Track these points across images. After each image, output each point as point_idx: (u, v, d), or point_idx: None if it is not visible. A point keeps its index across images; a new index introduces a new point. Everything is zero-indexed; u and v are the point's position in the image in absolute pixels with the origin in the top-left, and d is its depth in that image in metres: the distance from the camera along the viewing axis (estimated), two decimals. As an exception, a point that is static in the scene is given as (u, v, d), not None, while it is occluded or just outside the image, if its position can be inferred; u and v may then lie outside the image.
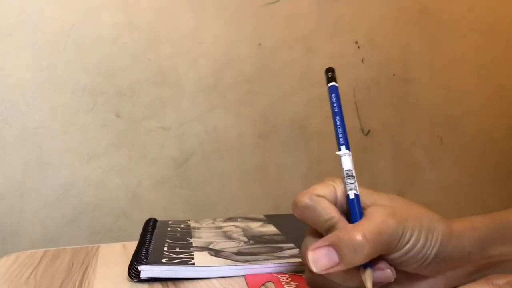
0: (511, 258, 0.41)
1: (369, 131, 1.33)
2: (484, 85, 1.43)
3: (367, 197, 0.38)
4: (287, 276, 0.48)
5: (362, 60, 1.31)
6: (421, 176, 1.39)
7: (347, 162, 0.39)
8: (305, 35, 1.26)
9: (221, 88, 1.20)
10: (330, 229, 0.36)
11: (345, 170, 0.38)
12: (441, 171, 1.41)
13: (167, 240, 0.59)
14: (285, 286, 0.46)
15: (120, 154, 1.14)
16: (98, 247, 0.62)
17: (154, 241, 0.59)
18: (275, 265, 0.50)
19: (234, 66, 1.21)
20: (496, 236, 0.40)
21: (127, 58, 1.14)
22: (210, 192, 1.21)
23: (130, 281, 0.49)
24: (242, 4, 1.20)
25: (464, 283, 0.34)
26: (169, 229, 0.65)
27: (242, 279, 0.49)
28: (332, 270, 0.34)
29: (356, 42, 1.30)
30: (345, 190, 0.38)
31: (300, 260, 0.51)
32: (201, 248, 0.56)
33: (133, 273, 0.49)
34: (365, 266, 0.34)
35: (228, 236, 0.62)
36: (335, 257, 0.34)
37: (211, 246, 0.57)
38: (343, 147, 0.39)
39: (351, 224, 0.35)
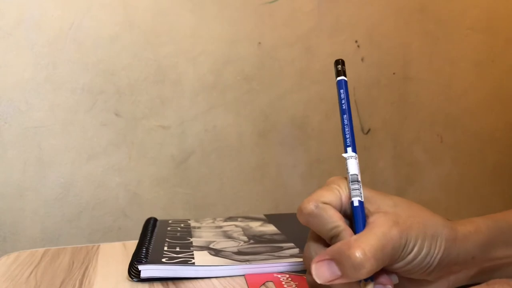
0: None
1: (369, 130, 1.33)
2: (484, 84, 1.43)
3: (371, 202, 0.37)
4: (287, 275, 0.48)
5: (362, 59, 1.31)
6: (421, 175, 1.39)
7: (353, 166, 0.38)
8: (305, 34, 1.26)
9: (221, 87, 1.20)
10: (335, 237, 0.36)
11: (351, 175, 0.37)
12: (441, 169, 1.41)
13: (167, 239, 0.59)
14: (285, 285, 0.46)
15: (119, 153, 1.14)
16: (98, 247, 0.62)
17: (154, 240, 0.59)
18: (275, 264, 0.50)
19: (233, 65, 1.21)
20: (500, 239, 0.39)
21: (127, 57, 1.14)
22: (210, 191, 1.21)
23: (130, 280, 0.49)
24: (242, 3, 1.20)
25: (466, 286, 0.34)
26: (169, 228, 0.65)
27: (242, 278, 0.49)
28: (334, 283, 0.34)
29: (356, 41, 1.30)
30: (350, 195, 0.37)
31: (300, 260, 0.51)
32: (201, 248, 0.56)
33: (133, 273, 0.49)
34: (366, 279, 0.34)
35: (228, 236, 0.62)
36: (337, 271, 0.33)
37: (211, 246, 0.57)
38: (349, 149, 0.38)
39: (353, 236, 0.35)
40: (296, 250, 0.55)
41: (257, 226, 0.67)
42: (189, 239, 0.60)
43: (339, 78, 0.40)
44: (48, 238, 1.10)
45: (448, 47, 1.39)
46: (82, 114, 1.12)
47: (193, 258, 0.52)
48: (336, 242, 0.35)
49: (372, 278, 0.34)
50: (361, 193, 0.37)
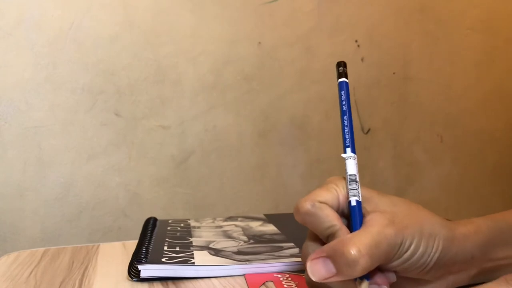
0: None
1: (369, 130, 1.33)
2: (484, 84, 1.43)
3: (369, 202, 0.37)
4: (287, 275, 0.48)
5: (362, 59, 1.31)
6: (421, 174, 1.39)
7: (351, 167, 0.38)
8: (305, 34, 1.26)
9: (221, 87, 1.20)
10: (331, 236, 0.36)
11: (349, 175, 0.38)
12: (441, 169, 1.41)
13: (167, 239, 0.59)
14: (285, 285, 0.46)
15: (119, 153, 1.14)
16: (98, 246, 0.62)
17: (154, 240, 0.59)
18: (275, 264, 0.50)
19: (233, 65, 1.21)
20: (499, 239, 0.39)
21: (127, 57, 1.14)
22: (209, 191, 1.21)
23: (130, 280, 0.49)
24: (242, 3, 1.20)
25: (467, 286, 0.34)
26: (169, 228, 0.65)
27: (242, 278, 0.49)
28: (330, 280, 0.34)
29: (356, 41, 1.30)
30: (348, 195, 0.38)
31: (300, 259, 0.51)
32: (201, 248, 0.56)
33: (133, 272, 0.49)
34: (362, 277, 0.34)
35: (228, 236, 0.62)
36: (332, 268, 0.33)
37: (211, 246, 0.57)
38: (348, 150, 0.38)
39: (348, 235, 0.35)
40: (296, 250, 0.55)
41: (257, 226, 0.67)
42: (189, 239, 0.60)
43: (340, 80, 0.41)
44: (48, 238, 1.10)
45: (448, 47, 1.39)
46: (82, 114, 1.12)
47: (193, 258, 0.52)
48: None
49: (368, 277, 0.34)
50: (359, 193, 0.37)
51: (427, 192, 1.39)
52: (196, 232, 0.64)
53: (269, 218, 0.72)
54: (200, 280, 0.48)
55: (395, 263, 0.35)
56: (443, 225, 0.37)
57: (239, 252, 0.54)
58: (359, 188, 0.37)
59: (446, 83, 1.40)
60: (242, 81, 1.22)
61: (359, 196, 0.37)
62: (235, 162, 1.22)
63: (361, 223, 0.36)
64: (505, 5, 1.43)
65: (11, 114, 1.08)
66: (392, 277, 0.36)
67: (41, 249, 0.61)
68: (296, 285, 0.46)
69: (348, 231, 0.36)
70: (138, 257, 0.51)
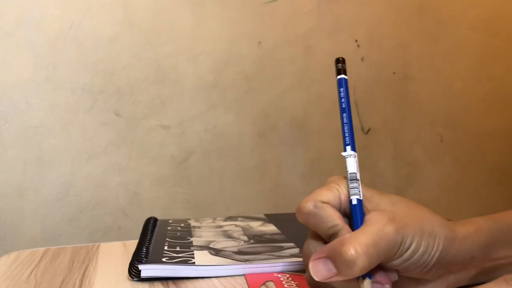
0: None
1: (369, 130, 1.33)
2: (484, 83, 1.43)
3: (369, 201, 0.37)
4: (288, 275, 0.48)
5: (362, 59, 1.31)
6: (421, 174, 1.39)
7: (351, 165, 0.38)
8: (305, 34, 1.26)
9: (221, 87, 1.20)
10: (334, 236, 0.36)
11: (350, 174, 0.38)
12: (441, 169, 1.41)
13: (167, 239, 0.59)
14: (285, 285, 0.46)
15: (119, 153, 1.14)
16: (98, 246, 0.62)
17: (155, 240, 0.59)
18: (275, 264, 0.50)
19: (233, 65, 1.21)
20: (500, 239, 0.39)
21: (127, 57, 1.14)
22: (210, 191, 1.21)
23: (130, 280, 0.49)
24: (242, 3, 1.20)
25: (467, 286, 0.34)
26: (169, 228, 0.65)
27: (243, 278, 0.49)
28: (331, 280, 0.34)
29: (356, 41, 1.30)
30: (348, 194, 0.38)
31: (300, 259, 0.51)
32: (202, 247, 0.56)
33: (134, 272, 0.49)
34: (364, 276, 0.34)
35: (228, 235, 0.62)
36: (332, 268, 0.33)
37: (211, 245, 0.57)
38: (348, 148, 0.38)
39: (347, 234, 0.35)
40: (296, 250, 0.55)
41: (257, 226, 0.67)
42: (189, 239, 0.60)
43: (339, 77, 0.40)
44: (48, 238, 1.10)
45: (448, 47, 1.39)
46: (82, 114, 1.12)
47: (193, 257, 0.52)
48: None
49: (370, 275, 0.34)
50: (359, 191, 0.37)
51: (427, 192, 1.39)
52: (196, 232, 0.64)
53: (269, 218, 0.72)
54: (200, 280, 0.48)
55: (396, 262, 0.35)
56: (443, 225, 0.37)
57: (239, 252, 0.54)
58: (360, 186, 0.37)
59: (446, 83, 1.40)
60: (242, 81, 1.22)
61: (360, 195, 0.37)
62: (235, 162, 1.22)
63: (362, 222, 0.36)
64: (505, 5, 1.43)
65: (11, 114, 1.08)
66: (394, 276, 0.36)
67: (41, 249, 0.61)
68: (297, 285, 0.46)
69: (351, 231, 0.36)
70: (138, 257, 0.51)
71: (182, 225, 0.67)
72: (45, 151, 1.10)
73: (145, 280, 0.48)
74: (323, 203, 0.37)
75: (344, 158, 0.38)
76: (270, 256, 0.53)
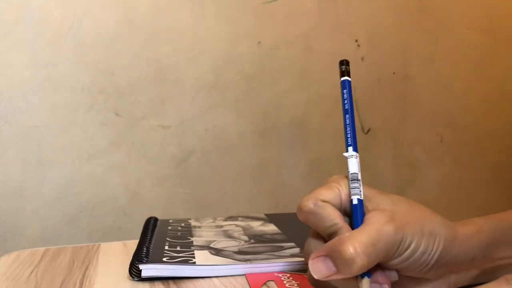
0: None
1: (369, 130, 1.33)
2: (484, 83, 1.43)
3: (370, 201, 0.37)
4: (288, 275, 0.48)
5: (362, 59, 1.31)
6: (421, 174, 1.39)
7: (353, 165, 0.38)
8: (304, 34, 1.26)
9: (221, 87, 1.20)
10: (333, 235, 0.36)
11: (351, 174, 0.38)
12: (441, 169, 1.41)
13: (167, 239, 0.59)
14: (286, 285, 0.46)
15: (119, 152, 1.14)
16: (98, 246, 0.62)
17: (155, 240, 0.59)
18: (275, 264, 0.50)
19: (233, 65, 1.21)
20: (501, 239, 0.39)
21: (127, 56, 1.14)
22: (210, 191, 1.21)
23: (131, 279, 0.49)
24: (242, 3, 1.20)
25: (469, 286, 0.34)
26: (169, 228, 0.65)
27: (243, 278, 0.49)
28: (331, 278, 0.34)
29: (356, 41, 1.30)
30: (349, 194, 0.38)
31: (301, 259, 0.51)
32: (202, 247, 0.56)
33: (134, 272, 0.49)
34: (363, 275, 0.34)
35: (228, 235, 0.62)
36: (332, 267, 0.34)
37: (212, 245, 0.57)
38: (350, 149, 0.38)
39: (347, 233, 0.35)
40: (296, 250, 0.55)
41: (257, 226, 0.67)
42: (190, 239, 0.60)
43: (343, 79, 0.41)
44: (48, 237, 1.10)
45: (448, 46, 1.39)
46: (82, 114, 1.12)
47: (194, 257, 0.52)
48: None
49: (369, 274, 0.34)
50: (360, 191, 0.37)
51: (427, 192, 1.39)
52: (196, 231, 0.64)
53: (270, 218, 0.72)
54: (201, 280, 0.48)
55: (395, 261, 0.35)
56: (444, 225, 0.37)
57: (239, 252, 0.54)
58: (361, 186, 0.37)
59: (446, 83, 1.40)
60: (242, 81, 1.22)
61: (360, 195, 0.37)
62: (235, 162, 1.22)
63: (362, 221, 0.36)
64: (505, 5, 1.43)
65: (11, 114, 1.08)
66: (394, 276, 0.36)
67: (42, 249, 0.61)
68: (298, 284, 0.46)
69: (350, 230, 0.36)
70: (139, 257, 0.51)
71: (183, 224, 0.67)
72: (45, 151, 1.10)
73: (145, 280, 0.48)
74: (324, 202, 0.37)
75: (346, 158, 0.38)
76: (271, 256, 0.53)
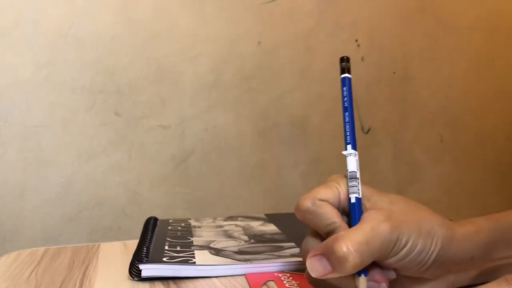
0: None
1: (369, 130, 1.33)
2: (485, 83, 1.43)
3: (368, 200, 0.38)
4: (288, 275, 0.48)
5: (362, 59, 1.31)
6: (421, 174, 1.39)
7: (352, 163, 0.38)
8: (304, 34, 1.26)
9: (221, 87, 1.20)
10: (330, 233, 0.36)
11: (349, 172, 0.38)
12: (441, 169, 1.41)
13: (168, 239, 0.59)
14: (286, 284, 0.46)
15: (119, 152, 1.14)
16: (98, 246, 0.62)
17: (155, 239, 0.59)
18: (275, 264, 0.50)
19: (233, 65, 1.21)
20: (500, 239, 0.39)
21: (127, 56, 1.14)
22: (210, 190, 1.21)
23: (131, 279, 0.49)
24: (242, 3, 1.20)
25: (468, 287, 0.33)
26: (169, 227, 0.65)
27: (243, 278, 0.49)
28: (327, 277, 0.34)
29: (356, 41, 1.30)
30: (348, 192, 0.38)
31: (300, 259, 0.51)
32: (202, 247, 0.56)
33: (134, 272, 0.49)
34: (359, 273, 0.34)
35: (228, 235, 0.62)
36: (328, 265, 0.34)
37: (212, 245, 0.57)
38: (349, 147, 0.38)
39: (342, 232, 0.35)
40: (296, 250, 0.55)
41: (257, 226, 0.67)
42: (190, 239, 0.60)
43: (343, 76, 0.40)
44: (48, 237, 1.10)
45: (449, 46, 1.39)
46: (82, 114, 1.12)
47: (194, 257, 0.52)
48: None
49: (366, 272, 0.35)
50: (358, 190, 0.37)
51: (427, 192, 1.39)
52: (196, 231, 0.64)
53: (270, 218, 0.72)
54: (201, 280, 0.48)
55: (392, 260, 0.35)
56: (442, 224, 0.37)
57: (239, 252, 0.54)
58: (360, 185, 0.37)
59: (446, 83, 1.40)
60: (242, 81, 1.22)
61: (359, 193, 0.37)
62: (235, 162, 1.22)
63: (360, 220, 0.36)
64: (505, 4, 1.43)
65: (11, 114, 1.08)
66: (392, 275, 0.36)
67: (42, 249, 0.61)
68: (298, 284, 0.46)
69: (348, 228, 0.36)
70: (139, 257, 0.51)
71: (183, 224, 0.67)
72: (45, 151, 1.10)
73: (145, 280, 0.48)
74: (321, 201, 0.37)
75: (344, 156, 0.38)
76: (271, 256, 0.53)
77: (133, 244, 0.60)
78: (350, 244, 0.33)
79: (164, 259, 0.51)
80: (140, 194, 1.16)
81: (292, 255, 0.53)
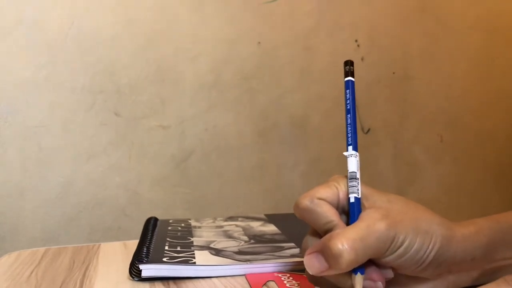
0: None
1: (369, 130, 1.33)
2: (485, 83, 1.43)
3: (368, 199, 0.38)
4: (288, 275, 0.48)
5: (362, 59, 1.31)
6: (421, 174, 1.39)
7: (352, 164, 0.38)
8: (304, 34, 1.26)
9: (221, 87, 1.20)
10: (328, 232, 0.36)
11: (349, 172, 0.38)
12: (441, 169, 1.41)
13: (168, 239, 0.59)
14: (287, 284, 0.46)
15: (119, 152, 1.14)
16: (99, 246, 0.62)
17: (155, 240, 0.59)
18: (275, 264, 0.50)
19: (233, 65, 1.21)
20: (501, 240, 0.39)
21: (127, 56, 1.14)
22: (210, 191, 1.21)
23: (131, 280, 0.49)
24: (242, 3, 1.20)
25: (470, 287, 0.34)
26: (169, 228, 0.65)
27: (243, 278, 0.49)
28: (324, 274, 0.35)
29: (356, 41, 1.30)
30: (347, 192, 0.38)
31: (301, 259, 0.51)
32: (202, 247, 0.56)
33: (134, 272, 0.49)
34: (356, 271, 0.35)
35: (229, 235, 0.62)
36: (324, 263, 0.34)
37: (212, 245, 0.57)
38: (350, 148, 0.39)
39: (338, 230, 0.35)
40: (296, 250, 0.55)
41: (257, 226, 0.67)
42: (190, 239, 0.60)
43: (346, 79, 0.41)
44: (48, 237, 1.10)
45: (448, 46, 1.39)
46: (82, 114, 1.12)
47: (194, 257, 0.52)
48: None
49: (362, 270, 0.35)
50: (358, 190, 0.38)
51: (427, 192, 1.39)
52: (197, 232, 0.64)
53: (270, 218, 0.72)
54: (201, 280, 0.48)
55: (389, 259, 0.35)
56: (441, 224, 0.37)
57: (239, 252, 0.54)
58: (359, 185, 0.38)
59: (446, 83, 1.40)
60: (242, 81, 1.22)
61: (358, 193, 0.38)
62: (235, 162, 1.22)
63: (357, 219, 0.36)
64: (505, 4, 1.43)
65: (11, 114, 1.08)
66: (389, 274, 0.36)
67: (42, 249, 0.61)
68: (298, 284, 0.46)
69: (345, 227, 0.36)
70: (139, 257, 0.51)
71: (183, 225, 0.68)
72: (45, 151, 1.10)
73: (145, 280, 0.49)
74: (320, 199, 0.37)
75: (345, 157, 0.39)
76: (271, 256, 0.53)
77: (133, 244, 0.60)
78: (345, 241, 0.33)
79: (164, 259, 0.51)
80: (140, 194, 1.16)
81: (292, 256, 0.53)
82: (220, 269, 0.49)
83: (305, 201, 0.37)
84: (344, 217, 0.38)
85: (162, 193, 1.18)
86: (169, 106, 1.17)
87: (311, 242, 0.38)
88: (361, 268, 0.35)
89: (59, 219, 1.11)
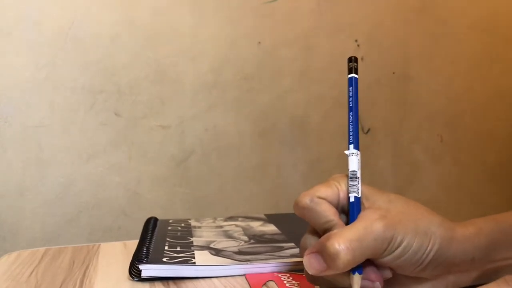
0: None
1: (369, 130, 1.33)
2: (485, 83, 1.43)
3: (368, 199, 0.38)
4: (288, 275, 0.48)
5: (362, 58, 1.31)
6: (421, 174, 1.39)
7: (353, 163, 0.38)
8: (304, 34, 1.26)
9: (221, 87, 1.20)
10: (327, 231, 0.36)
11: (350, 171, 0.38)
12: (441, 169, 1.41)
13: (167, 239, 0.59)
14: (287, 285, 0.46)
15: (119, 152, 1.14)
16: (98, 246, 0.62)
17: (155, 240, 0.59)
18: (275, 264, 0.50)
19: (233, 65, 1.21)
20: (501, 240, 0.39)
21: (127, 56, 1.14)
22: (210, 191, 1.21)
23: (131, 280, 0.49)
24: (242, 3, 1.20)
25: (471, 287, 0.33)
26: (169, 228, 0.65)
27: (243, 278, 0.49)
28: (323, 274, 0.35)
29: (356, 40, 1.30)
30: (348, 192, 0.38)
31: (301, 259, 0.51)
32: (202, 247, 0.56)
33: (134, 272, 0.49)
34: (354, 271, 0.35)
35: (228, 235, 0.62)
36: (323, 263, 0.34)
37: (212, 245, 0.57)
38: (351, 146, 0.39)
39: (336, 230, 0.35)
40: (296, 250, 0.55)
41: (257, 226, 0.67)
42: (190, 239, 0.60)
43: (350, 75, 0.41)
44: (48, 237, 1.10)
45: (448, 46, 1.39)
46: (82, 114, 1.12)
47: (193, 257, 0.52)
48: None
49: (361, 270, 0.35)
50: (358, 189, 0.37)
51: (427, 191, 1.39)
52: (197, 232, 0.64)
53: (270, 218, 0.72)
54: (201, 280, 0.48)
55: (388, 259, 0.35)
56: (440, 224, 0.37)
57: (239, 252, 0.54)
58: (360, 184, 0.38)
59: (446, 83, 1.40)
60: (242, 81, 1.22)
61: (358, 193, 0.37)
62: (235, 162, 1.22)
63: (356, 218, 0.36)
64: (505, 4, 1.43)
65: (11, 114, 1.08)
66: (387, 274, 0.36)
67: (42, 249, 0.61)
68: (298, 284, 0.46)
69: (344, 227, 0.36)
70: (139, 257, 0.51)
71: (183, 225, 0.67)
72: (45, 151, 1.10)
73: (145, 280, 0.48)
74: (320, 198, 0.37)
75: (346, 156, 0.38)
76: (271, 256, 0.53)
77: (133, 244, 0.60)
78: (342, 241, 0.33)
79: (164, 259, 0.51)
80: (140, 194, 1.16)
81: (292, 256, 0.53)
82: (220, 269, 0.49)
83: (305, 200, 0.37)
84: (343, 216, 0.38)
85: (162, 193, 1.18)
86: (169, 106, 1.17)
87: (310, 241, 0.38)
88: (359, 268, 0.34)
89: (59, 219, 1.11)
